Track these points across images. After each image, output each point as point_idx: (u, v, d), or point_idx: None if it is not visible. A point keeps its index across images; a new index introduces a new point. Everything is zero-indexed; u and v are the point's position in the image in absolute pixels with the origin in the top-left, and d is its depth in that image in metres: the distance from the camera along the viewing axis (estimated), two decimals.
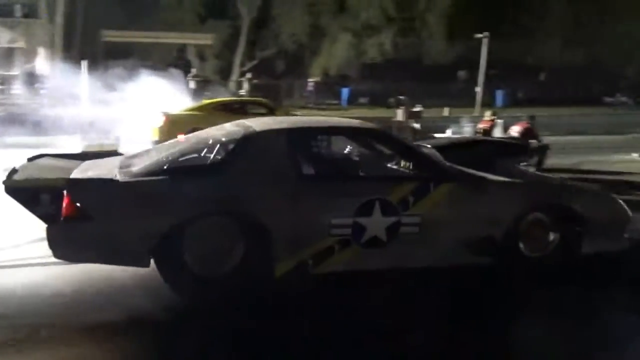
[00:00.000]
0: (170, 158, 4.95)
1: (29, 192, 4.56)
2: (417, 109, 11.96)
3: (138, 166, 4.83)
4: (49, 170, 4.92)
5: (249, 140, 4.98)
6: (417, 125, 12.27)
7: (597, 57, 40.97)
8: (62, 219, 4.39)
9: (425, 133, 12.24)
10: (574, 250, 5.41)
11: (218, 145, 5.24)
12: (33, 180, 4.62)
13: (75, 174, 4.72)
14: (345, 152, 6.11)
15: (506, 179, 5.50)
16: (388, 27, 38.45)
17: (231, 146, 5.04)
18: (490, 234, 5.14)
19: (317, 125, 5.93)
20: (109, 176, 4.59)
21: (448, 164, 5.38)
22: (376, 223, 4.90)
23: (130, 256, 4.53)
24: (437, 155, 5.65)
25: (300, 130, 5.48)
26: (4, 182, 4.62)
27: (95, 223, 4.38)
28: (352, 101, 32.74)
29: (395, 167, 5.57)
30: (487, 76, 31.06)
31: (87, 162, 5.20)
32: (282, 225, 4.65)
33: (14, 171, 4.92)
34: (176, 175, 4.66)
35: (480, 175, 5.36)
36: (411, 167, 5.37)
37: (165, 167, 4.77)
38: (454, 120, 15.72)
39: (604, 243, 5.47)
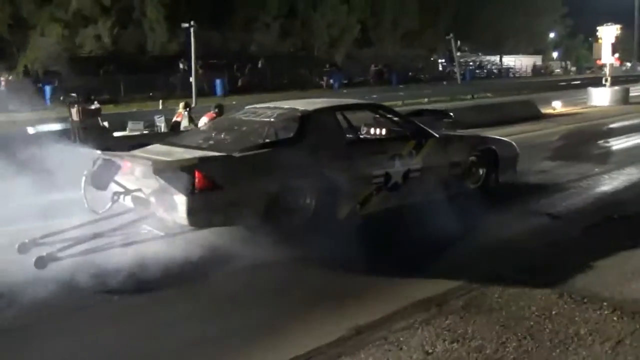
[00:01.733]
0: (247, 135, 6.03)
1: (172, 171, 5.08)
2: (94, 106, 10.91)
3: (225, 143, 5.92)
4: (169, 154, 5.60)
5: (307, 119, 6.04)
6: (104, 123, 11.24)
7: (307, 44, 44.10)
8: (197, 190, 5.03)
9: (110, 131, 11.22)
10: (494, 179, 7.43)
11: (280, 124, 6.22)
12: (175, 162, 5.17)
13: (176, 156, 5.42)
14: (364, 123, 7.61)
15: (458, 134, 7.95)
16: (105, 18, 35.94)
17: (295, 124, 6.00)
18: (456, 173, 6.96)
19: (347, 103, 7.95)
20: (223, 153, 5.46)
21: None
22: (397, 172, 6.35)
23: (251, 214, 5.32)
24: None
25: (338, 107, 6.82)
26: (154, 164, 5.07)
27: (224, 191, 5.15)
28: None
29: (398, 130, 7.04)
30: (209, 65, 30.72)
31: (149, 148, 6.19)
32: (342, 180, 5.77)
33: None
34: (272, 149, 5.65)
35: (445, 132, 7.37)
36: (408, 130, 6.85)
37: (258, 143, 5.73)
38: (145, 115, 14.95)
39: (509, 174, 7.66)
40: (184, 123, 11.15)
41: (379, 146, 6.72)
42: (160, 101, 16.38)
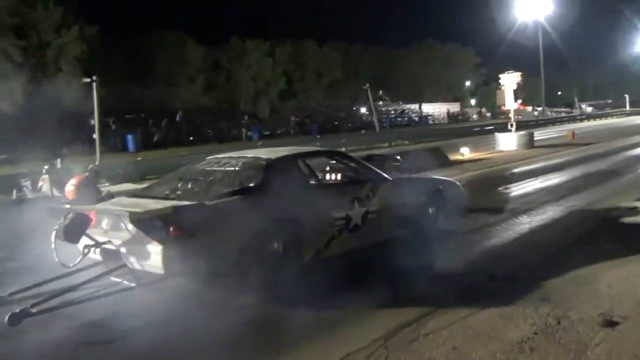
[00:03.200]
0: (215, 183, 6.17)
1: (147, 221, 5.08)
2: None
3: (193, 193, 6.03)
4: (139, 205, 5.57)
5: (271, 166, 6.24)
6: None
7: (228, 98, 43.67)
8: (172, 239, 5.07)
9: None
10: (442, 217, 7.71)
11: (245, 172, 6.29)
12: (150, 212, 5.17)
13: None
14: (325, 168, 7.78)
15: (409, 176, 8.38)
16: (17, 74, 34.22)
17: (260, 172, 6.15)
18: (409, 213, 7.12)
19: (308, 150, 7.93)
20: (196, 201, 5.53)
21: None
22: (356, 214, 6.58)
23: (223, 261, 5.31)
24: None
25: (299, 154, 7.05)
26: (130, 215, 5.05)
27: (198, 239, 5.15)
28: None
29: (355, 174, 7.33)
30: (124, 121, 29.50)
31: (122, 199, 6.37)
32: (306, 224, 5.93)
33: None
34: (241, 196, 5.73)
35: (398, 176, 7.81)
36: (365, 174, 7.19)
37: (227, 191, 5.82)
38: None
39: (457, 213, 7.98)
40: (45, 187, 9.75)
41: (339, 190, 6.96)
42: (58, 160, 15.02)
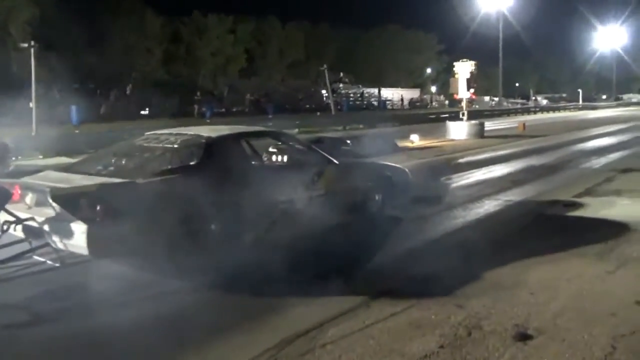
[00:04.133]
0: (150, 161, 5.84)
1: (71, 198, 4.79)
2: None
3: (126, 170, 5.67)
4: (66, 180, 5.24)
5: (211, 145, 5.96)
6: None
7: (186, 73, 42.28)
8: (97, 218, 4.74)
9: None
10: (388, 204, 7.54)
11: (184, 150, 6.04)
12: (75, 188, 4.93)
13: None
14: (269, 149, 7.49)
15: (356, 160, 8.56)
16: None
17: (199, 150, 5.87)
18: (356, 198, 7.15)
19: (251, 130, 7.57)
20: (126, 179, 5.16)
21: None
22: (300, 198, 6.38)
23: (155, 243, 4.93)
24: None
25: (242, 134, 6.82)
26: (51, 191, 4.81)
27: (127, 219, 4.81)
28: None
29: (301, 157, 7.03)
30: (73, 91, 28.17)
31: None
32: (247, 207, 5.74)
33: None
34: (177, 175, 5.46)
35: (345, 159, 7.71)
36: (312, 157, 6.89)
37: (162, 169, 5.56)
38: None
39: (401, 199, 7.77)
40: None
41: (283, 172, 6.71)
42: None
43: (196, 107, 34.55)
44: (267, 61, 58.23)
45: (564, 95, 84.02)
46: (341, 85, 57.15)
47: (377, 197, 7.51)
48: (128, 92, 33.59)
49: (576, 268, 5.40)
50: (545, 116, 48.09)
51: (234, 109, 38.50)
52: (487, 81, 62.80)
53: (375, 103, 57.44)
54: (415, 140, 18.89)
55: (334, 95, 44.74)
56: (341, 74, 57.41)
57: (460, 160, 14.74)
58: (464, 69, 21.41)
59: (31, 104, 20.29)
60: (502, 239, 6.59)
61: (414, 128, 23.78)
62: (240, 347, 3.83)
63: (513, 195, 9.43)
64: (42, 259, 5.14)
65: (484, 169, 13.01)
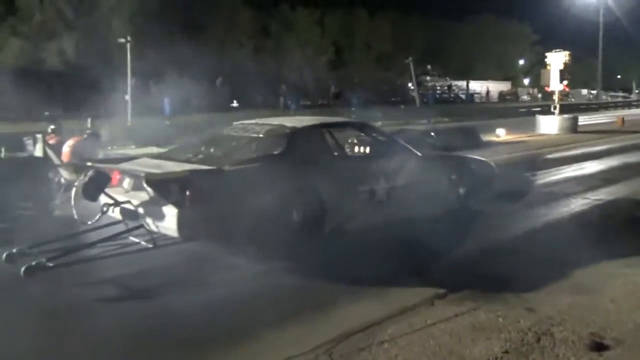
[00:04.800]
0: (236, 149, 5.99)
1: (163, 183, 5.01)
2: None
3: (214, 157, 5.83)
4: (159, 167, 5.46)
5: (295, 135, 6.01)
6: None
7: (275, 65, 42.84)
8: (188, 203, 4.94)
9: None
10: (472, 198, 7.40)
11: (268, 140, 6.05)
12: (167, 174, 5.12)
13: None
14: (352, 140, 7.71)
15: (440, 153, 8.45)
16: (69, 31, 34.65)
17: (283, 140, 5.91)
18: (438, 191, 6.97)
19: (334, 121, 7.74)
20: (215, 166, 5.33)
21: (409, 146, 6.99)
22: (381, 188, 6.35)
23: (239, 228, 5.16)
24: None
25: (324, 124, 6.81)
26: (146, 176, 5.03)
27: (214, 204, 5.06)
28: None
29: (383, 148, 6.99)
30: (167, 84, 29.38)
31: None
32: (328, 195, 5.75)
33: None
34: (261, 163, 5.59)
35: (428, 152, 7.57)
36: (394, 148, 6.85)
37: (247, 157, 5.69)
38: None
39: (486, 194, 7.61)
40: (38, 148, 8.91)
41: (364, 163, 6.82)
42: (89, 119, 14.80)
43: (282, 99, 35.04)
44: (354, 54, 58.01)
45: None
46: (428, 77, 55.98)
47: (460, 191, 7.37)
48: (218, 84, 34.61)
49: None
50: None
51: (319, 102, 38.69)
52: (585, 73, 59.32)
53: (463, 96, 55.78)
54: (501, 134, 18.15)
55: (420, 88, 43.93)
56: (428, 66, 56.23)
57: (549, 156, 13.97)
58: (556, 59, 20.24)
59: (127, 97, 21.36)
60: (586, 241, 6.10)
61: (501, 122, 22.82)
62: (297, 338, 3.81)
63: (603, 195, 8.80)
64: (136, 240, 5.42)
65: (574, 165, 12.24)
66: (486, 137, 17.13)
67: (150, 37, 33.32)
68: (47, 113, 19.86)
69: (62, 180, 7.98)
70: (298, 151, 5.88)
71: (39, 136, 7.84)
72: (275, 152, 5.93)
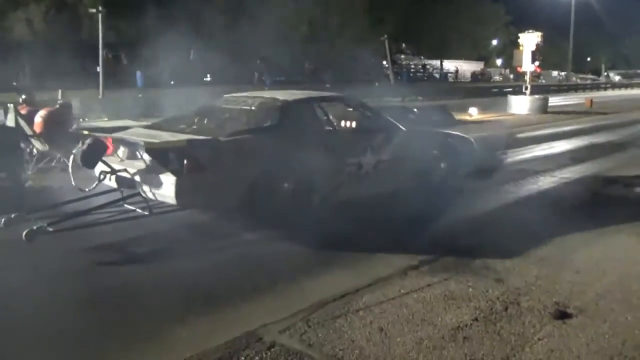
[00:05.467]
0: (230, 121, 6.23)
1: (163, 152, 5.17)
2: None
3: (208, 128, 6.08)
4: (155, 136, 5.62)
5: (287, 107, 6.24)
6: None
7: (250, 39, 42.40)
8: (185, 171, 5.13)
9: None
10: (454, 173, 7.67)
11: (261, 112, 6.25)
12: (165, 143, 5.29)
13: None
14: (340, 113, 7.76)
15: (423, 128, 8.56)
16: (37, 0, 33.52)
17: (275, 113, 6.14)
18: (421, 166, 7.15)
19: (324, 95, 7.94)
20: (210, 136, 5.52)
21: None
22: (368, 162, 6.57)
23: (233, 197, 5.43)
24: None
25: (315, 98, 7.03)
26: (146, 144, 5.20)
27: (211, 173, 5.26)
28: None
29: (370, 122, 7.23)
30: (141, 56, 28.84)
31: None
32: (318, 167, 5.88)
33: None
34: (256, 134, 5.77)
35: (412, 127, 7.64)
36: (380, 123, 7.07)
37: (241, 128, 5.81)
38: None
39: (466, 169, 7.82)
40: (10, 118, 8.66)
41: (353, 136, 7.08)
42: (60, 90, 14.55)
43: (256, 74, 34.71)
44: (329, 30, 57.60)
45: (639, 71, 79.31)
46: (402, 56, 56.03)
47: (442, 166, 7.60)
48: (191, 57, 34.08)
49: (628, 249, 5.18)
50: (616, 93, 45.75)
51: (294, 78, 38.44)
52: (557, 55, 60.09)
53: (437, 75, 56.08)
54: (473, 113, 18.39)
55: (395, 66, 43.96)
56: (403, 45, 56.23)
57: (519, 135, 14.24)
58: (529, 40, 20.51)
59: (98, 68, 20.93)
60: (553, 216, 6.31)
61: (474, 101, 23.09)
62: (274, 307, 3.89)
63: (570, 173, 9.06)
64: (132, 207, 5.62)
65: (543, 144, 12.55)
66: (459, 116, 17.33)
67: (122, 8, 32.54)
68: (14, 83, 19.35)
69: (35, 150, 7.86)
70: (290, 123, 6.04)
71: (10, 106, 7.68)
72: (268, 124, 6.10)
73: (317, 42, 53.07)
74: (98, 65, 21.70)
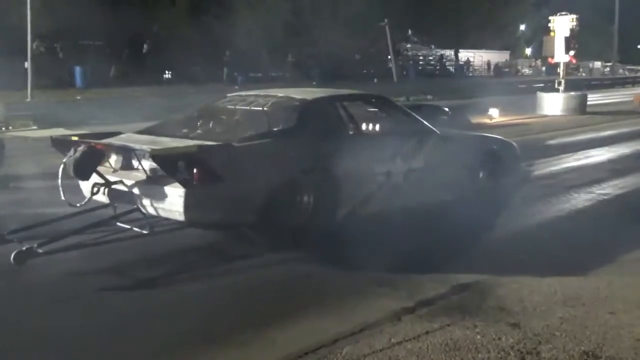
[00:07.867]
0: (241, 124, 6.44)
1: (170, 160, 5.32)
2: None
3: (216, 132, 6.35)
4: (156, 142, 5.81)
5: (307, 108, 6.54)
6: None
7: (217, 27, 42.55)
8: (196, 182, 5.29)
9: None
10: (495, 182, 8.07)
11: (276, 113, 6.46)
12: (172, 149, 5.47)
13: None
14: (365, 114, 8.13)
15: (459, 132, 8.70)
16: None
17: (293, 114, 6.38)
18: (458, 174, 7.45)
19: (347, 93, 8.05)
20: (221, 142, 5.74)
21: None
22: (398, 170, 6.84)
23: (249, 211, 5.65)
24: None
25: (338, 97, 7.35)
26: (152, 151, 5.31)
27: (225, 184, 5.44)
28: None
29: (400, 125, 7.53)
30: (80, 48, 28.96)
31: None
32: (343, 177, 6.23)
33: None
34: (274, 139, 6.01)
35: (447, 130, 8.04)
36: (411, 125, 7.33)
37: (257, 132, 6.04)
38: None
39: (509, 177, 8.29)
40: None
41: (380, 142, 7.23)
42: None
43: (225, 70, 34.76)
44: (318, 15, 57.90)
45: None
46: (408, 45, 56.38)
47: (480, 175, 7.89)
48: (145, 50, 34.13)
49: None
50: None
51: (273, 73, 38.57)
52: (599, 43, 60.80)
53: (452, 68, 56.45)
54: (494, 115, 18.53)
55: (399, 58, 44.21)
56: (409, 32, 56.63)
57: (550, 142, 14.42)
58: (562, 24, 20.67)
59: (26, 64, 20.82)
60: (587, 243, 6.37)
61: (496, 100, 23.25)
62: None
63: (611, 189, 9.19)
64: (127, 226, 5.74)
65: (578, 153, 12.69)
66: (477, 119, 17.44)
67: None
68: None
69: None
70: (311, 127, 6.24)
71: None
72: (286, 127, 6.27)
73: (302, 30, 53.48)
74: (26, 59, 21.60)
